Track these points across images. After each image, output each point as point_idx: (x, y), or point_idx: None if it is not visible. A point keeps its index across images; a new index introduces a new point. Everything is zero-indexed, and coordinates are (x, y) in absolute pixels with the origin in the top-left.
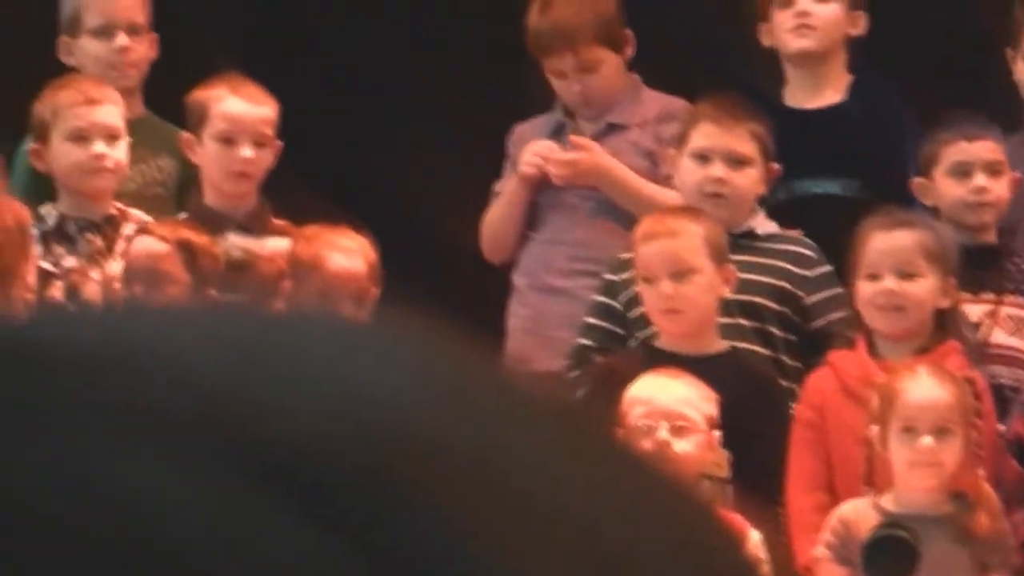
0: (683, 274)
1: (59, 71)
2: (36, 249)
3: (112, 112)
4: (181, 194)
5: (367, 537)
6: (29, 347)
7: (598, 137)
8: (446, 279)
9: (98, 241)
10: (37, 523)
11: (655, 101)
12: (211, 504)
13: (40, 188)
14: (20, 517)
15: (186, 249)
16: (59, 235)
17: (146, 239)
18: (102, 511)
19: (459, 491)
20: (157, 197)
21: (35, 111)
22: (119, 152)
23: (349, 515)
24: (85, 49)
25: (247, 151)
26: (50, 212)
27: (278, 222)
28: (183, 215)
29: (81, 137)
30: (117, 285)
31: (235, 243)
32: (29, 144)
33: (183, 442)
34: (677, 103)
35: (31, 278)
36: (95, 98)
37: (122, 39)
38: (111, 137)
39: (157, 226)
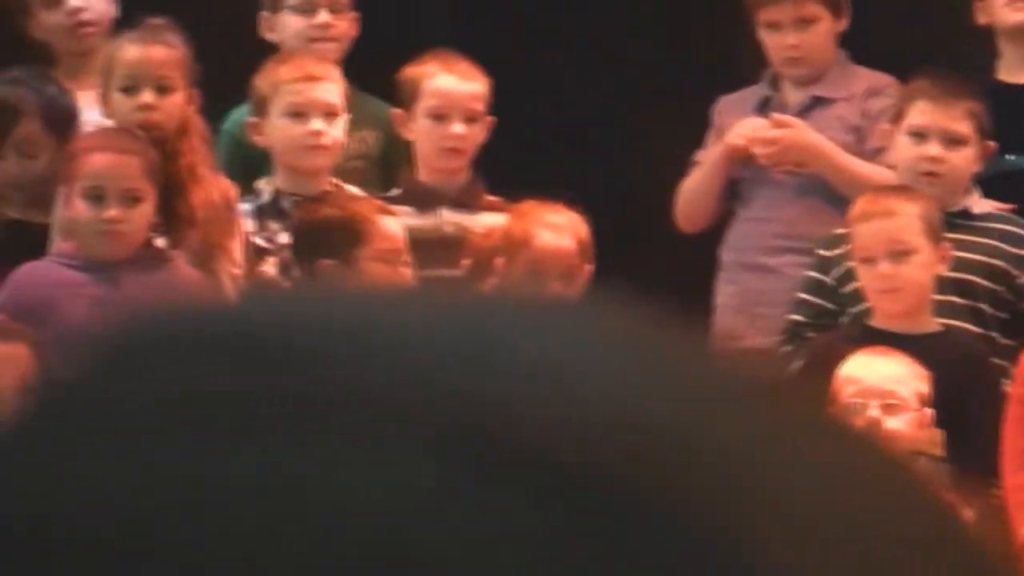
0: (901, 254)
1: (260, 47)
2: (244, 225)
3: (331, 89)
4: (384, 168)
5: (620, 536)
6: (244, 332)
7: (804, 111)
8: (653, 256)
9: None
10: (264, 518)
11: (863, 76)
12: (441, 496)
13: (248, 163)
14: (246, 513)
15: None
16: (274, 210)
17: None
18: (325, 505)
19: (710, 486)
20: (357, 170)
21: (255, 85)
22: (336, 130)
23: (596, 513)
24: (286, 24)
25: (459, 127)
26: (265, 187)
27: (491, 198)
28: (395, 191)
29: (299, 113)
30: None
31: (448, 219)
32: (239, 117)
33: (407, 432)
34: (885, 79)
35: (238, 254)
36: (315, 75)
37: (323, 15)
38: (329, 114)
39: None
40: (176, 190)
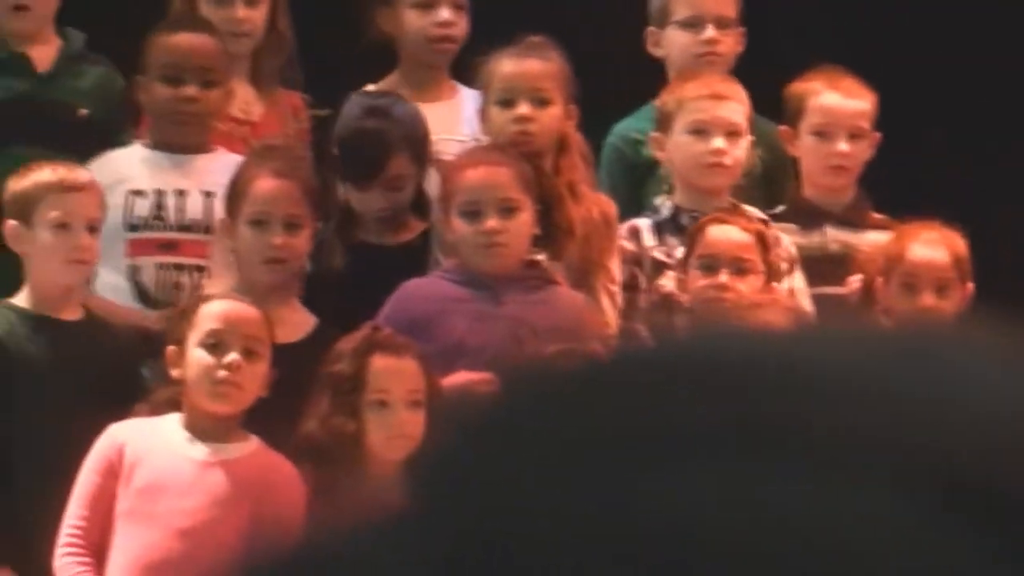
0: None
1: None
2: (620, 240)
3: (736, 109)
4: (769, 186)
5: None
6: (704, 362)
7: None
8: None
9: None
10: (738, 545)
11: None
12: (912, 526)
13: (632, 173)
14: (696, 542)
15: (762, 241)
16: (673, 226)
17: (729, 228)
18: (798, 532)
19: None
20: (741, 187)
21: (660, 101)
22: (739, 150)
23: None
24: (672, 40)
25: (844, 144)
26: (664, 203)
27: (877, 216)
28: (780, 208)
29: (702, 131)
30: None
31: (833, 236)
32: (623, 129)
33: (875, 463)
34: None
35: (616, 271)
36: (721, 93)
37: (709, 31)
38: (732, 134)
39: (737, 216)
40: (555, 204)
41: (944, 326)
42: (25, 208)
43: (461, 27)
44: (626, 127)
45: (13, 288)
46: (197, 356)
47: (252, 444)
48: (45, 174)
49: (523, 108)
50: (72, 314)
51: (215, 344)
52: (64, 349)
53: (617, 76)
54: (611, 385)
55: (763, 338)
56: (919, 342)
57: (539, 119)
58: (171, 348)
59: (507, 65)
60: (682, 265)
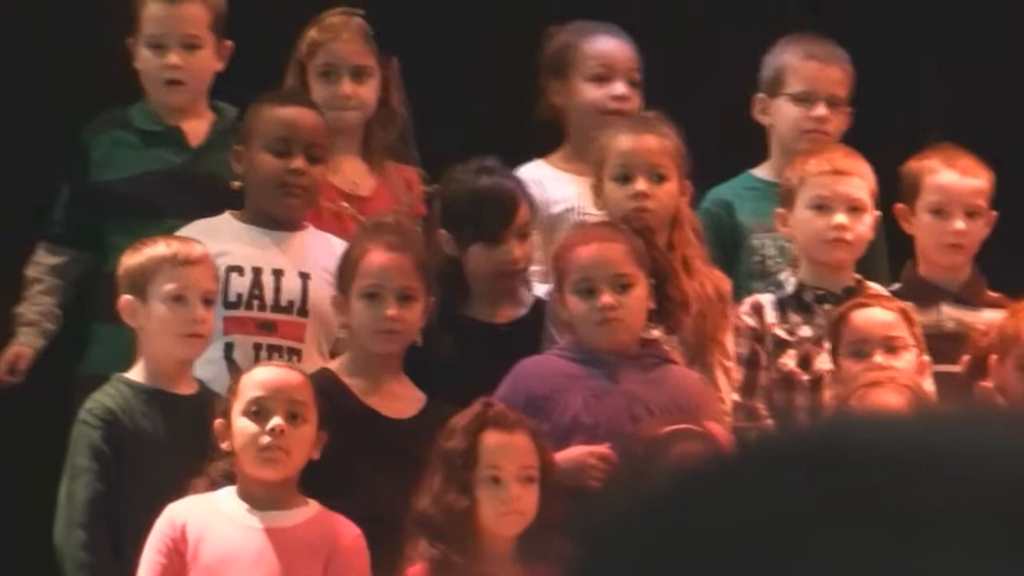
0: None
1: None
2: (739, 316)
3: (858, 184)
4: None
5: None
6: (839, 452)
7: None
8: None
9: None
10: None
11: None
12: None
13: (728, 241)
14: None
15: (906, 316)
16: (796, 303)
17: (872, 310)
18: None
19: None
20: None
21: (784, 177)
22: (862, 225)
23: None
24: (781, 111)
25: (960, 223)
26: (789, 279)
27: (993, 294)
28: (896, 285)
29: (824, 206)
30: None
31: (948, 314)
32: (718, 196)
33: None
34: None
35: (730, 345)
36: (843, 169)
37: (821, 109)
38: (855, 209)
39: (875, 297)
40: (668, 278)
41: None
42: (140, 282)
43: (635, 101)
44: (721, 193)
45: (127, 363)
46: (241, 425)
47: (312, 509)
48: (160, 248)
49: (641, 184)
50: (187, 388)
51: (258, 411)
52: (178, 423)
53: (709, 142)
54: (768, 477)
55: (904, 425)
56: None
57: (656, 195)
58: (218, 421)
59: (625, 141)
60: (831, 356)
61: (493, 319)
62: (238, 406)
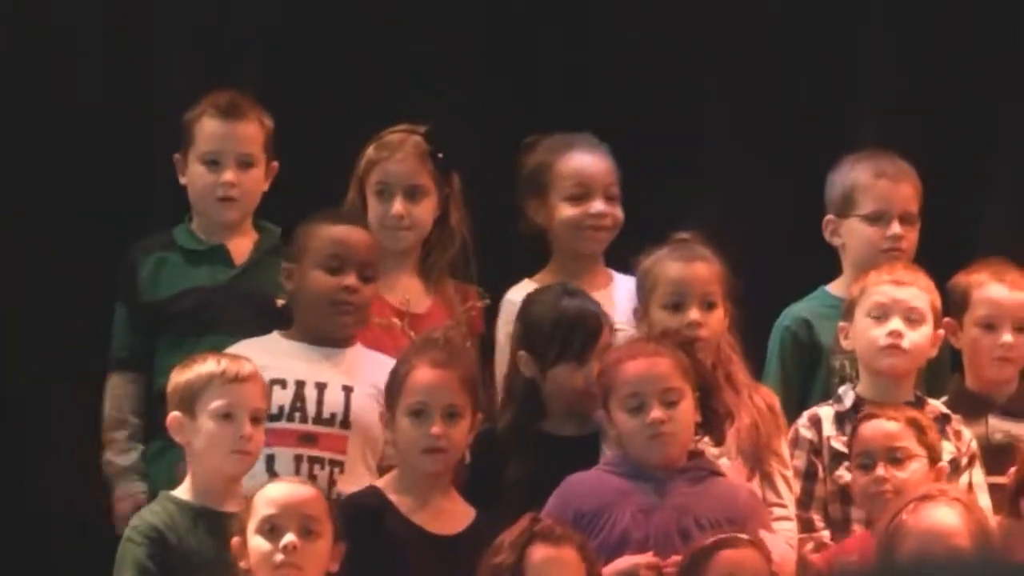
0: None
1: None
2: (793, 427)
3: (916, 295)
4: (932, 375)
5: None
6: None
7: None
8: None
9: None
10: None
11: None
12: None
13: (806, 357)
14: None
15: (915, 425)
16: (855, 416)
17: (877, 421)
18: None
19: None
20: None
21: (848, 292)
22: (918, 335)
23: None
24: (854, 231)
25: (1008, 336)
26: (848, 392)
27: None
28: (944, 397)
29: (881, 315)
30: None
31: (996, 426)
32: (795, 313)
33: None
34: None
35: (786, 455)
36: (901, 279)
37: (896, 227)
38: (913, 319)
39: (887, 408)
40: (712, 391)
41: None
42: (189, 398)
43: (615, 217)
44: (799, 310)
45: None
46: (256, 544)
47: None
48: (209, 364)
49: (694, 313)
50: (234, 505)
51: (271, 529)
52: (225, 540)
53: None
54: None
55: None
56: None
57: (708, 323)
58: (235, 540)
59: (675, 268)
60: (852, 464)
61: (566, 432)
62: (252, 524)
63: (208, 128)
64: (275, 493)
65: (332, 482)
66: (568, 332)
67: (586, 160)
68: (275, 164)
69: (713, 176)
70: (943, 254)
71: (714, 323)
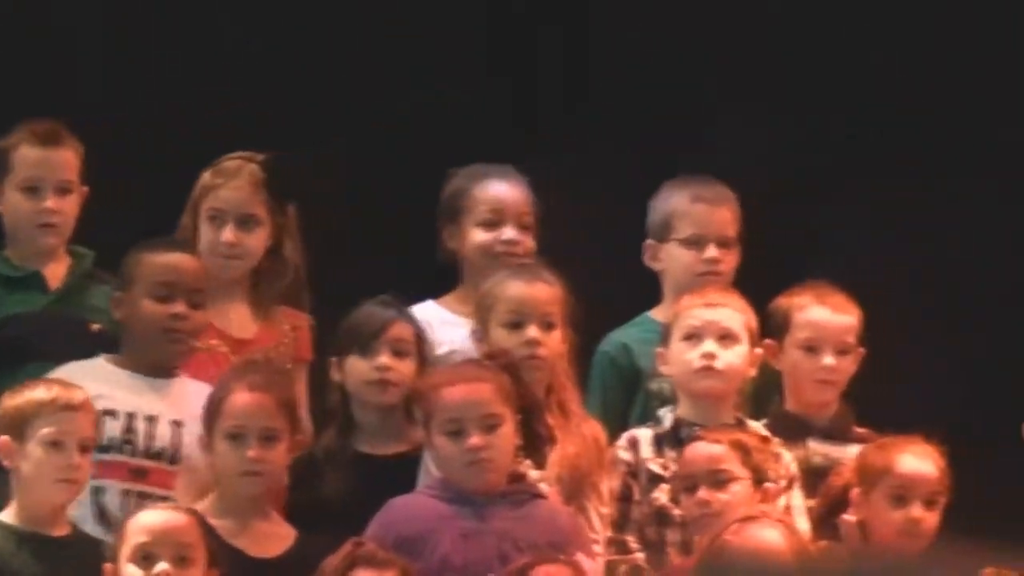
0: None
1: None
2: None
3: (729, 315)
4: (757, 400)
5: None
6: None
7: None
8: None
9: None
10: None
11: None
12: None
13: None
14: None
15: (739, 447)
16: (673, 439)
17: (701, 444)
18: None
19: None
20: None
21: (664, 317)
22: (733, 355)
23: None
24: (673, 255)
25: (830, 359)
26: (667, 415)
27: (860, 430)
28: (764, 420)
29: (694, 336)
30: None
31: (815, 449)
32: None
33: None
34: None
35: (606, 491)
36: (714, 301)
37: (712, 251)
38: (726, 338)
39: (712, 431)
40: (535, 413)
41: None
42: (19, 424)
43: (526, 245)
44: (620, 336)
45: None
46: (129, 573)
47: None
48: (40, 391)
49: (533, 331)
50: (60, 530)
51: (144, 557)
52: (51, 564)
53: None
54: None
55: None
56: None
57: (547, 342)
58: (107, 566)
59: (515, 288)
60: (676, 487)
61: (380, 451)
62: (125, 551)
63: (27, 156)
64: (148, 520)
65: None
66: (355, 324)
67: (502, 188)
68: (85, 189)
69: None
70: (768, 277)
71: (552, 344)
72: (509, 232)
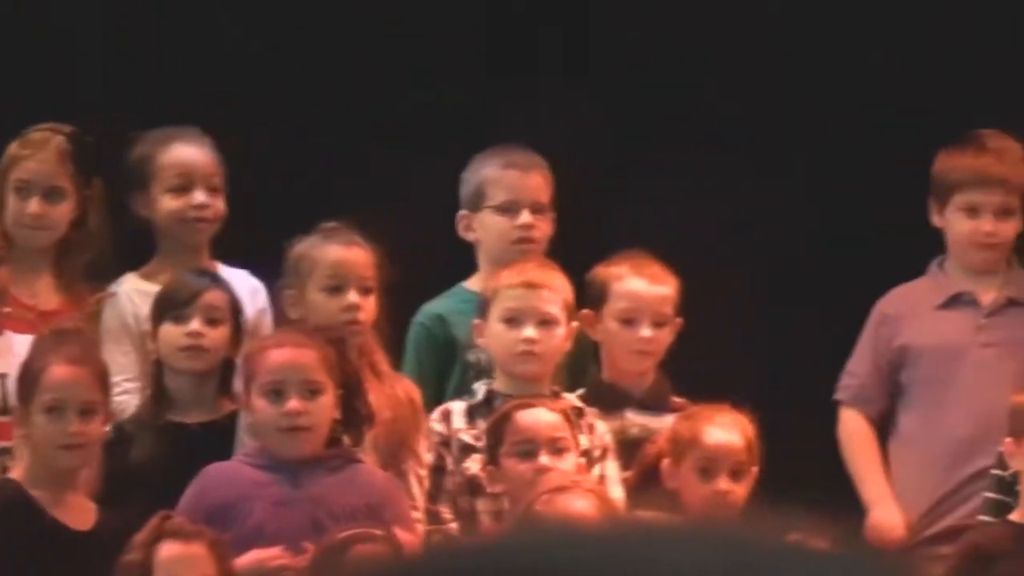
0: None
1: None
2: (429, 423)
3: (549, 298)
4: (569, 369)
5: None
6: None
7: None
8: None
9: None
10: None
11: None
12: None
13: (439, 354)
14: None
15: (567, 418)
16: (486, 409)
17: (538, 411)
18: None
19: None
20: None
21: (482, 289)
22: (552, 338)
23: None
24: (487, 224)
25: (647, 330)
26: (480, 387)
27: (677, 400)
28: (581, 391)
29: (514, 319)
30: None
31: (633, 420)
32: (432, 311)
33: None
34: None
35: (424, 454)
36: (534, 282)
37: (525, 216)
38: (546, 322)
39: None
40: (357, 392)
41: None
42: None
43: (217, 208)
44: (434, 307)
45: None
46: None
47: None
48: None
49: (352, 296)
50: None
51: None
52: None
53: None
54: None
55: (589, 544)
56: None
57: (365, 307)
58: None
59: (334, 252)
60: (491, 455)
61: (190, 419)
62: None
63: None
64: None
65: (4, 469)
66: (169, 292)
67: (188, 152)
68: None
69: None
70: (584, 245)
71: (371, 307)
72: (200, 196)
